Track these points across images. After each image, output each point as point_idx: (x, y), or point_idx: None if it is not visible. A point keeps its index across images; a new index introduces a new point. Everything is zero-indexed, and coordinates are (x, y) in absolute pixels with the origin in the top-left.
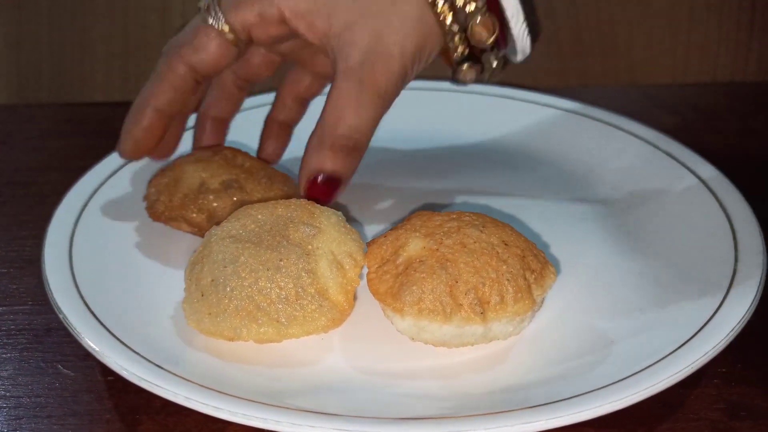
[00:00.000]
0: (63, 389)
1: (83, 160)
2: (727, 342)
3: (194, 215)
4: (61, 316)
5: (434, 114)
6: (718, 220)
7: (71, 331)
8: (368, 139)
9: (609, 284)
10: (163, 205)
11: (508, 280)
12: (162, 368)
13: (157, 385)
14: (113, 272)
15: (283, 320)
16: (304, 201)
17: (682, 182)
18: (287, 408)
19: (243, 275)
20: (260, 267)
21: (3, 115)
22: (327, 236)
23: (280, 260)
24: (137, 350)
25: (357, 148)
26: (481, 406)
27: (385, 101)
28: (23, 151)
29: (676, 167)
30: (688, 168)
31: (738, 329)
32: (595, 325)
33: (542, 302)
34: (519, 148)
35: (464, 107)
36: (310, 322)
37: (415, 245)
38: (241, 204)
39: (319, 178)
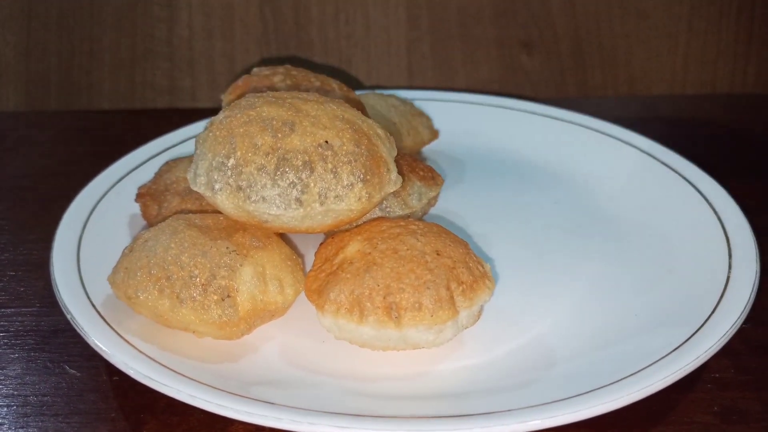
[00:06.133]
0: (69, 389)
1: (90, 166)
2: (720, 347)
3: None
4: (68, 317)
5: (435, 123)
6: (713, 229)
7: (79, 331)
8: None
9: (605, 289)
10: (155, 210)
11: (428, 288)
12: (167, 367)
13: (162, 384)
14: None
15: (182, 296)
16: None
17: (678, 192)
18: (288, 406)
19: (172, 245)
20: (190, 244)
21: (12, 122)
22: (268, 254)
23: (211, 247)
24: (143, 350)
25: None
26: (479, 406)
27: None
28: (31, 157)
29: (673, 177)
30: (685, 178)
31: (730, 334)
32: (590, 329)
33: (478, 314)
34: (517, 157)
35: (462, 116)
36: (202, 310)
37: (352, 247)
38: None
39: None
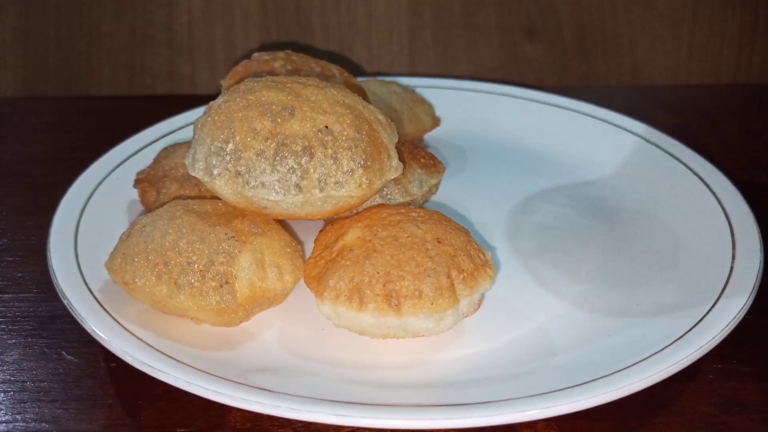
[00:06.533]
0: (66, 375)
1: (88, 152)
2: (722, 338)
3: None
4: (65, 302)
5: (437, 110)
6: (717, 219)
7: (76, 317)
8: None
9: (607, 279)
10: (154, 196)
11: (428, 276)
12: (164, 354)
13: (159, 370)
14: None
15: (180, 282)
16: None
17: (682, 181)
18: (287, 394)
19: (170, 231)
20: (188, 230)
21: (10, 108)
22: (267, 241)
23: (209, 233)
24: (140, 337)
25: None
26: (479, 395)
27: None
28: (29, 143)
29: (677, 167)
30: (688, 167)
31: (733, 325)
32: (592, 318)
33: (479, 303)
34: (519, 145)
35: (464, 104)
36: (200, 297)
37: (352, 234)
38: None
39: None
